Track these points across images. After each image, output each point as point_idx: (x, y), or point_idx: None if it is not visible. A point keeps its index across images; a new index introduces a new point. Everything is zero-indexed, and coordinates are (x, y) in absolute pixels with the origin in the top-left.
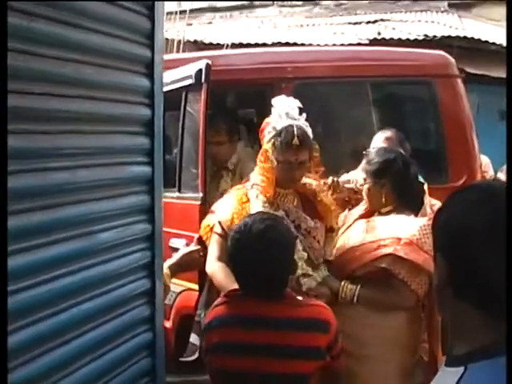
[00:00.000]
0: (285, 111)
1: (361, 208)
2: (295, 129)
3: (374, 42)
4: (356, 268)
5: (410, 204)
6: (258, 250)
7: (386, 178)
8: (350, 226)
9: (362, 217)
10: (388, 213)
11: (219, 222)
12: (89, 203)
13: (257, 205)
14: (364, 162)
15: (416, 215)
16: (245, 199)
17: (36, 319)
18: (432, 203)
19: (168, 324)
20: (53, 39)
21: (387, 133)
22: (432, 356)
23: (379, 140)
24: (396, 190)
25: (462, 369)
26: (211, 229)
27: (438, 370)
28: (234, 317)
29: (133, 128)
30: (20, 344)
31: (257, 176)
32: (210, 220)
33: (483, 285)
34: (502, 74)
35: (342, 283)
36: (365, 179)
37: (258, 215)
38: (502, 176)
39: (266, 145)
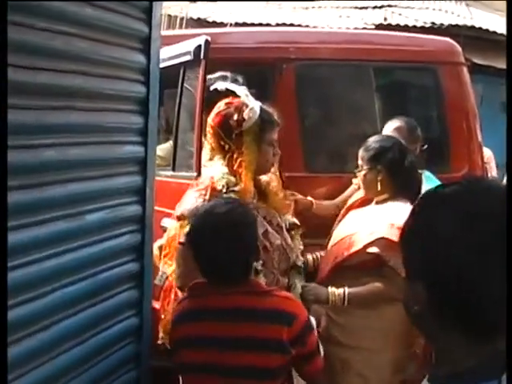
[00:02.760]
0: (245, 93)
1: (355, 198)
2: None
3: (380, 27)
4: (348, 256)
5: (407, 192)
6: (219, 231)
7: (381, 164)
8: (344, 217)
9: (356, 207)
10: (384, 201)
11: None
12: (78, 182)
13: None
14: (361, 149)
15: (412, 203)
16: None
17: (18, 302)
18: None
19: (157, 305)
20: (45, 10)
21: (396, 123)
22: (426, 350)
23: (388, 130)
24: (391, 176)
25: None
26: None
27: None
28: (196, 310)
29: (127, 106)
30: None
31: (227, 175)
32: (174, 228)
33: (464, 307)
34: None
35: (329, 290)
36: (361, 166)
37: (219, 200)
38: None
39: (251, 128)
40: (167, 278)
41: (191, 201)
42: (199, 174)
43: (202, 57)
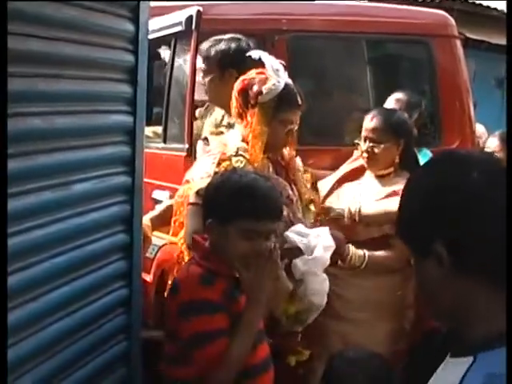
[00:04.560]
0: (276, 67)
1: (345, 169)
2: (294, 86)
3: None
4: (357, 233)
5: (410, 166)
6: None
7: (403, 137)
8: (337, 188)
9: (349, 179)
10: (388, 175)
11: (197, 192)
12: (65, 152)
13: None
14: (376, 120)
15: None
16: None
17: (8, 272)
18: None
19: (148, 278)
20: None
21: (399, 95)
22: (418, 321)
23: (390, 101)
24: (407, 150)
25: (470, 359)
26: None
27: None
28: None
29: (115, 75)
30: None
31: (239, 141)
32: (185, 191)
33: (492, 255)
34: (501, 40)
35: (351, 248)
36: (377, 138)
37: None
38: (495, 140)
39: (266, 103)
40: (159, 250)
41: (200, 166)
42: (190, 146)
43: (193, 28)
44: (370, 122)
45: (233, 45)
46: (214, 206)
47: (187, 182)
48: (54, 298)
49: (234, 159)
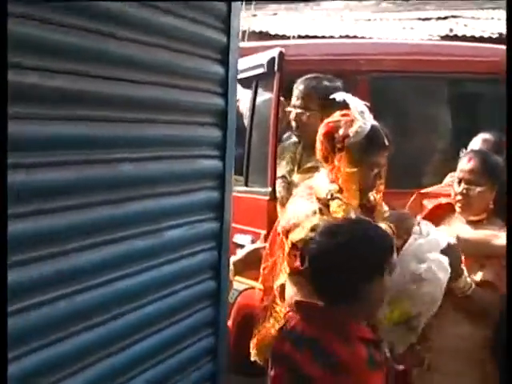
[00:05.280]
0: (361, 109)
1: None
2: (380, 128)
3: (445, 38)
4: None
5: (503, 213)
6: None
7: (499, 182)
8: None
9: (430, 216)
10: (480, 222)
11: (313, 229)
12: (156, 198)
13: None
14: (474, 162)
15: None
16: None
17: (97, 323)
18: None
19: (228, 323)
20: (126, 19)
21: (486, 135)
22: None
23: (477, 141)
24: (502, 196)
25: None
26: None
27: None
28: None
29: (205, 118)
30: (78, 351)
31: (331, 184)
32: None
33: None
34: None
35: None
36: (469, 181)
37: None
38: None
39: (354, 146)
40: (239, 295)
41: (298, 208)
42: (273, 189)
43: (276, 69)
44: (467, 163)
45: (337, 83)
46: (356, 267)
47: (287, 231)
48: (142, 349)
49: (332, 203)
